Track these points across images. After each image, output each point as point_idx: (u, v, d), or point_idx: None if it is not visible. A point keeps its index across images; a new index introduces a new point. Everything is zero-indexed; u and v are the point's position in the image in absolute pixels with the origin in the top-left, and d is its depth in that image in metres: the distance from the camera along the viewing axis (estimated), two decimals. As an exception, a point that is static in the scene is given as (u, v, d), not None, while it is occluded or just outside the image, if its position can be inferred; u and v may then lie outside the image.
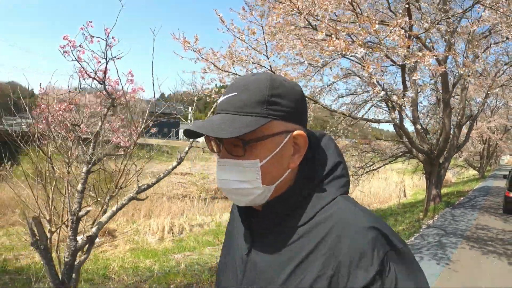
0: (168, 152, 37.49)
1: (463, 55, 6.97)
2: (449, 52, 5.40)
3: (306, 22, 3.72)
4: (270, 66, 5.05)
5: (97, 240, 6.29)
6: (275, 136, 0.61)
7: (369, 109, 9.71)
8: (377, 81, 5.75)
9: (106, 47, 2.60)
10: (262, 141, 0.61)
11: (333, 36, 3.33)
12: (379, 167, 10.55)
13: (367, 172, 9.89)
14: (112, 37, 2.60)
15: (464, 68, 5.28)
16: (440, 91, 8.65)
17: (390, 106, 7.90)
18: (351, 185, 6.59)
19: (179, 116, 4.35)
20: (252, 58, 5.26)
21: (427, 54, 3.66)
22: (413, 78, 6.49)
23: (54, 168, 2.96)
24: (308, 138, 0.65)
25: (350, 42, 3.55)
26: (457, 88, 9.15)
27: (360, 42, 3.36)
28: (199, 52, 4.85)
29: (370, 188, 15.14)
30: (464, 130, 10.84)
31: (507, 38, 5.22)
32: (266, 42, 4.95)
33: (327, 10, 3.48)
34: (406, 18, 3.90)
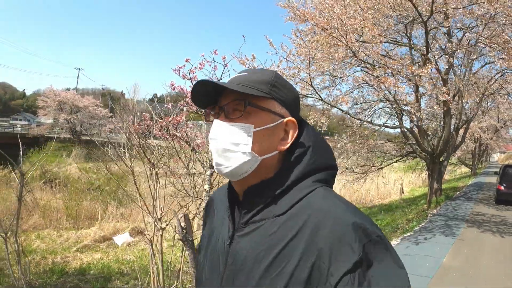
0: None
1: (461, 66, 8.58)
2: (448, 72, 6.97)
3: (360, 61, 5.19)
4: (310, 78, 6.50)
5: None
6: (272, 113, 0.69)
7: (374, 113, 11.30)
8: (389, 92, 7.28)
9: (222, 74, 2.98)
10: (260, 110, 0.68)
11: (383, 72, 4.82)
12: (386, 165, 12.12)
13: (376, 170, 11.44)
14: (226, 64, 2.92)
15: (461, 82, 6.84)
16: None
17: (399, 114, 9.48)
18: (358, 182, 8.11)
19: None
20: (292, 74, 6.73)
21: (441, 88, 5.16)
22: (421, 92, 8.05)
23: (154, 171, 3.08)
24: (299, 129, 0.71)
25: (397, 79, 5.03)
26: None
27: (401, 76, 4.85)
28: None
29: (371, 185, 16.72)
30: (460, 132, 12.50)
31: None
32: (310, 65, 6.42)
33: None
34: (434, 69, 5.39)
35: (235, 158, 0.66)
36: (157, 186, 2.97)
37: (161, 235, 2.86)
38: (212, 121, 0.71)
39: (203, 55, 2.90)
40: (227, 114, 0.68)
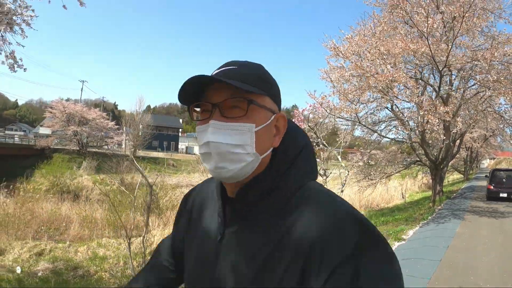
0: (174, 165, 40.52)
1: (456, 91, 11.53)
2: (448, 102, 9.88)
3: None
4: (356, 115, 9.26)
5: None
6: (268, 111, 0.68)
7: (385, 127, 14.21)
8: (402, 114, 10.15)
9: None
10: (260, 108, 0.67)
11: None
12: (396, 172, 14.98)
13: (385, 177, 14.30)
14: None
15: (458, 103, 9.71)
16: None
17: (409, 130, 12.35)
18: (370, 189, 11.27)
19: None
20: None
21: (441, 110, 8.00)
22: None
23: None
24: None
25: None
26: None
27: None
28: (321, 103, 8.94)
29: (375, 192, 19.51)
30: (456, 142, 15.50)
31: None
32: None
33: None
34: (446, 108, 8.23)
35: (239, 160, 0.65)
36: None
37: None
38: (200, 120, 0.68)
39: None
40: (224, 112, 0.65)
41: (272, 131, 0.69)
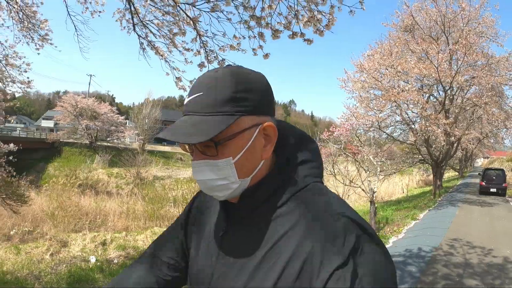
0: (182, 159, 42.39)
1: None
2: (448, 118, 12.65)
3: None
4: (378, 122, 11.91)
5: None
6: (245, 131, 0.67)
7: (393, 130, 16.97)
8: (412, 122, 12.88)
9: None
10: (233, 139, 0.66)
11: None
12: (399, 170, 17.77)
13: (392, 173, 17.08)
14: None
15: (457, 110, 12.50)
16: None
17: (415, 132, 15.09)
18: (379, 183, 14.37)
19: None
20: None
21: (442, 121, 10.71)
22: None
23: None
24: (277, 127, 0.71)
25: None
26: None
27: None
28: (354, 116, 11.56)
29: (379, 186, 22.31)
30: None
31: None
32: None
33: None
34: (447, 121, 10.96)
35: (226, 188, 0.69)
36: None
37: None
38: (189, 152, 0.72)
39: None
40: (202, 150, 0.68)
41: (260, 143, 0.70)
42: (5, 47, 5.34)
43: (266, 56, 3.59)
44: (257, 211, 0.71)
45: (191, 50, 3.84)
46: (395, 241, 7.25)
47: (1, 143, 7.80)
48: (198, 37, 3.74)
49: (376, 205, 8.40)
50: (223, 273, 0.72)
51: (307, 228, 0.64)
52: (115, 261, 5.87)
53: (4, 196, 9.10)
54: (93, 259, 5.74)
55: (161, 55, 4.08)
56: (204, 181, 0.69)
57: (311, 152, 0.76)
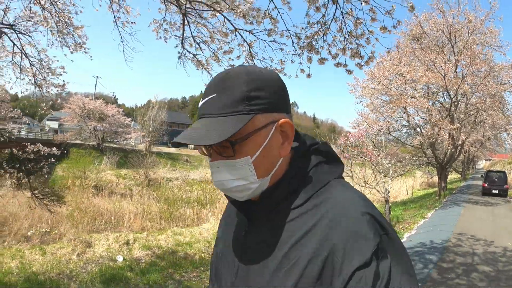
0: (188, 160, 43.21)
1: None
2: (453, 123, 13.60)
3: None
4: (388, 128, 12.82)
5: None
6: (261, 129, 0.68)
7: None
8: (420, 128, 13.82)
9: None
10: (249, 138, 0.67)
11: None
12: (406, 171, 18.68)
13: (399, 175, 17.99)
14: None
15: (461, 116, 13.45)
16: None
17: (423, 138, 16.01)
18: (389, 183, 15.32)
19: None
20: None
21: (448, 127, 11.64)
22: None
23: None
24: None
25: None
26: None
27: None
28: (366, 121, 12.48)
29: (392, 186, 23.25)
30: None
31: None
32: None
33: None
34: (454, 126, 11.91)
35: (246, 189, 0.70)
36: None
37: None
38: (206, 154, 0.73)
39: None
40: (219, 151, 0.69)
41: (277, 140, 0.70)
42: (39, 51, 5.43)
43: (308, 76, 4.19)
44: (277, 210, 0.72)
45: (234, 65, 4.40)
46: (408, 236, 8.13)
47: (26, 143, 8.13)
48: (251, 58, 4.49)
49: (390, 205, 9.26)
50: (245, 273, 0.72)
51: (329, 227, 0.64)
52: (142, 260, 5.95)
53: (41, 196, 9.89)
54: (120, 259, 5.84)
55: (205, 68, 4.68)
56: (221, 182, 0.70)
57: (328, 150, 0.77)
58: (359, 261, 0.59)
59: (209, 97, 0.69)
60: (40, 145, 7.94)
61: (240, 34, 4.22)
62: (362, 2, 3.20)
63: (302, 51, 4.06)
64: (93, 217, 11.21)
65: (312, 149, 0.76)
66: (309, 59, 4.08)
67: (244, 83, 0.68)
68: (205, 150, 0.72)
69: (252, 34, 4.12)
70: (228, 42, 4.39)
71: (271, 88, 0.70)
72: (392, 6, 3.07)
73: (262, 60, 4.34)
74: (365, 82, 14.90)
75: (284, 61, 4.24)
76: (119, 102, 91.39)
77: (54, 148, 9.23)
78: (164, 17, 4.35)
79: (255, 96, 0.68)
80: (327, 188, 0.71)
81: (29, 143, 8.04)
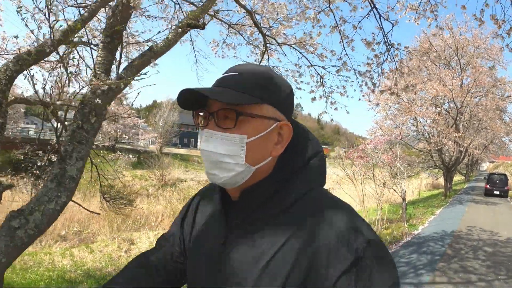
0: (199, 162, 44.29)
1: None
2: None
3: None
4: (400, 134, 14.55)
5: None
6: (265, 119, 0.70)
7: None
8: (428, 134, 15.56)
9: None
10: (253, 118, 0.69)
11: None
12: (415, 174, 20.42)
13: (409, 176, 19.74)
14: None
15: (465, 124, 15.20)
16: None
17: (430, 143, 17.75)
18: (394, 186, 17.30)
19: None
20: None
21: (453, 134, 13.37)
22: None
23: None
24: (293, 130, 0.74)
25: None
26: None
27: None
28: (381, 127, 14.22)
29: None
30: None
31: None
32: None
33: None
34: (459, 134, 13.67)
35: (228, 169, 0.69)
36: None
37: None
38: (200, 127, 0.73)
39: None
40: (218, 122, 0.70)
41: (273, 139, 0.72)
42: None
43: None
44: (257, 214, 0.72)
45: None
46: (422, 228, 9.85)
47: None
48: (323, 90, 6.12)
49: (406, 202, 10.99)
50: (227, 279, 0.71)
51: (312, 234, 0.65)
52: (188, 255, 6.98)
53: (112, 200, 10.92)
54: (166, 256, 6.68)
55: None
56: (210, 153, 0.70)
57: (318, 158, 0.76)
58: (343, 267, 0.60)
59: (232, 73, 0.73)
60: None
61: (315, 69, 5.41)
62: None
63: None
64: (127, 216, 11.83)
65: (302, 155, 0.75)
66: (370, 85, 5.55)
67: (264, 75, 0.72)
68: (203, 120, 0.73)
69: (324, 69, 5.34)
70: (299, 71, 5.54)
71: (283, 90, 0.74)
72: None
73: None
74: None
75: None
76: (124, 103, 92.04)
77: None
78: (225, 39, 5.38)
79: (270, 89, 0.71)
80: (308, 195, 0.72)
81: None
